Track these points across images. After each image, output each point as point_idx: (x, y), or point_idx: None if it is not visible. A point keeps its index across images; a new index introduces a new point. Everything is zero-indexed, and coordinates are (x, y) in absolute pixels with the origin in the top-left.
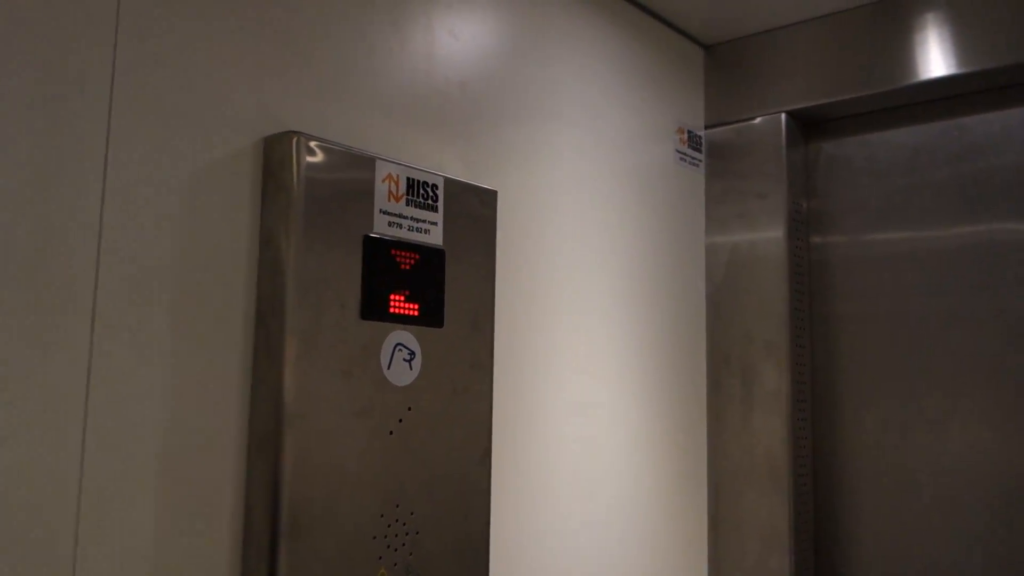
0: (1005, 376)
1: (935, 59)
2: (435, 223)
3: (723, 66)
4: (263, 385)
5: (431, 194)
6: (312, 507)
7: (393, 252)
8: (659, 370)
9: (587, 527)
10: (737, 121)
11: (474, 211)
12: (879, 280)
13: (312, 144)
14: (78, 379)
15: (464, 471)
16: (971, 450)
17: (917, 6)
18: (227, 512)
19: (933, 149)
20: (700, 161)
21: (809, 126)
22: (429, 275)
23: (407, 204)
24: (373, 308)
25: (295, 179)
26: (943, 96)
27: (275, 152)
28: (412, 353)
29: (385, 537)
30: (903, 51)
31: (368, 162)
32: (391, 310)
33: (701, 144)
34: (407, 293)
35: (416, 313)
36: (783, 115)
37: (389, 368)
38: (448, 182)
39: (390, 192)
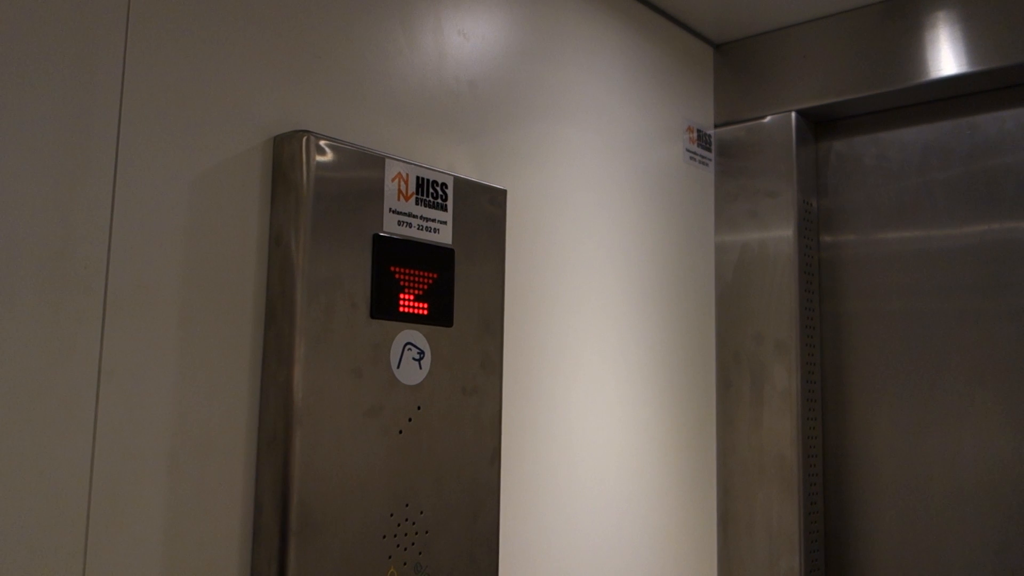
0: (1017, 375)
1: (946, 57)
2: (445, 222)
3: (733, 65)
4: (273, 384)
5: (441, 193)
6: (322, 506)
7: (403, 251)
8: (669, 369)
9: (596, 526)
10: (747, 120)
11: (484, 210)
12: (890, 279)
13: (322, 143)
14: (89, 379)
15: (474, 470)
16: (983, 450)
17: (928, 4)
18: (237, 511)
19: (944, 148)
20: (710, 160)
21: (819, 125)
22: (439, 274)
23: (417, 203)
24: (383, 307)
25: (305, 178)
26: (954, 94)
27: (285, 151)
28: (421, 352)
29: (395, 536)
30: (914, 49)
31: (378, 161)
32: (401, 309)
33: (711, 143)
34: (417, 292)
35: (426, 312)
36: (793, 114)
37: (399, 367)
38: (458, 181)
39: (400, 191)
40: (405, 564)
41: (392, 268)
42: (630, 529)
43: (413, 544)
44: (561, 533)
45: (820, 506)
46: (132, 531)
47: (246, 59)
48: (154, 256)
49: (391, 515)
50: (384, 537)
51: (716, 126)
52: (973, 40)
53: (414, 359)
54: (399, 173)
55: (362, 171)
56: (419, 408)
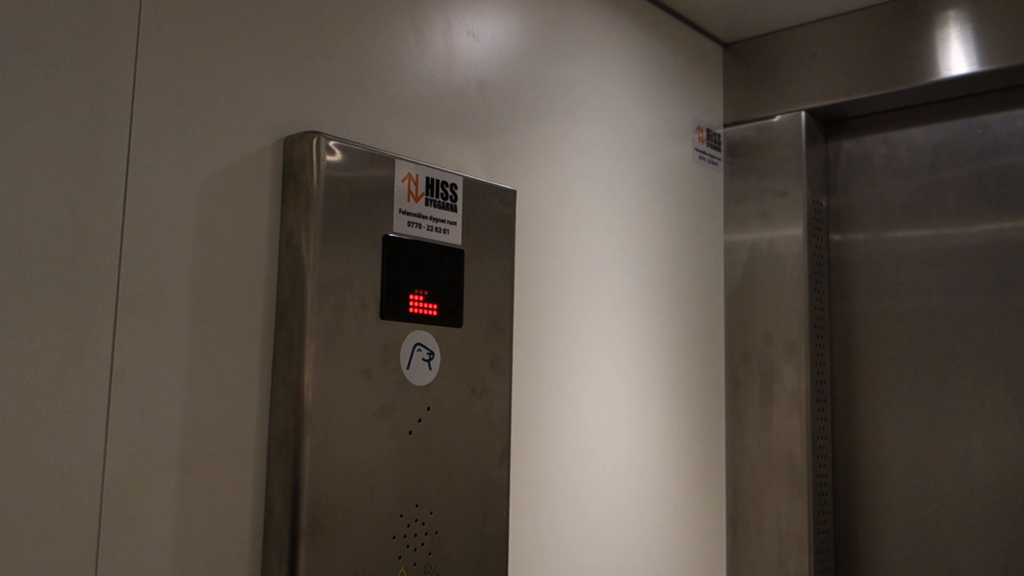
0: None
1: (956, 57)
2: (454, 223)
3: (742, 64)
4: (283, 384)
5: (450, 194)
6: (332, 506)
7: (412, 252)
8: (678, 369)
9: (606, 526)
10: (757, 119)
11: (493, 210)
12: (900, 278)
13: (332, 144)
14: (101, 380)
15: (483, 471)
16: (993, 450)
17: (938, 4)
18: (247, 511)
19: (954, 147)
20: (719, 159)
21: (829, 124)
22: (448, 275)
23: (426, 204)
24: (393, 308)
25: (315, 179)
26: (965, 94)
27: (295, 152)
28: (431, 353)
29: (405, 537)
30: (924, 49)
31: (388, 162)
32: (410, 310)
33: (720, 142)
34: (426, 293)
35: (435, 313)
36: (803, 113)
37: (408, 368)
38: (467, 182)
39: (409, 192)
40: (415, 565)
41: (402, 269)
42: (639, 529)
43: (423, 545)
44: (570, 533)
45: (830, 506)
46: (143, 531)
47: (256, 60)
48: (165, 258)
49: (401, 516)
50: (394, 538)
51: (725, 125)
52: (983, 39)
53: (424, 360)
54: (409, 174)
55: (372, 172)
56: (429, 409)
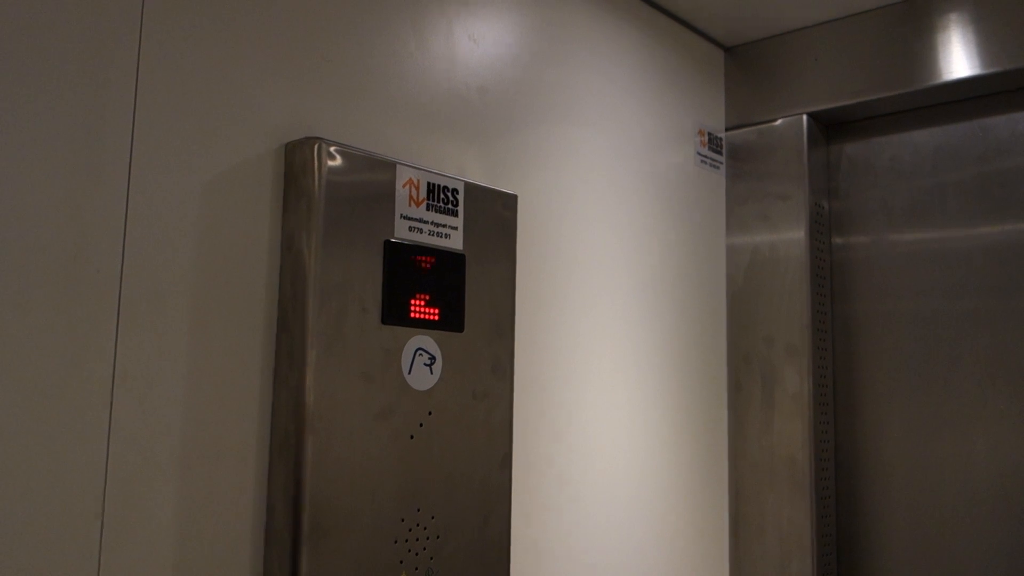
0: None
1: (958, 60)
2: (455, 228)
3: (744, 68)
4: (285, 387)
5: (451, 199)
6: (334, 510)
7: (414, 257)
8: (680, 372)
9: (608, 530)
10: (758, 123)
11: (494, 215)
12: (902, 281)
13: (333, 149)
14: (103, 383)
15: (485, 475)
16: (996, 452)
17: (940, 6)
18: (249, 514)
19: (957, 150)
20: (721, 163)
21: (831, 127)
22: (449, 280)
23: (427, 209)
24: (394, 313)
25: (316, 184)
26: (966, 97)
27: (296, 157)
28: (433, 358)
29: (406, 541)
30: (926, 52)
31: (389, 167)
32: (412, 315)
33: (722, 146)
34: (428, 298)
35: (437, 318)
36: (804, 116)
37: (410, 373)
38: (468, 186)
39: (411, 197)
40: (417, 569)
41: (403, 274)
42: (642, 532)
43: (424, 549)
44: (572, 537)
45: (832, 509)
46: (145, 533)
47: (258, 65)
48: (167, 261)
49: (402, 520)
50: (396, 542)
51: (727, 129)
52: (985, 42)
53: (425, 364)
54: (410, 179)
55: (373, 177)
56: (430, 413)
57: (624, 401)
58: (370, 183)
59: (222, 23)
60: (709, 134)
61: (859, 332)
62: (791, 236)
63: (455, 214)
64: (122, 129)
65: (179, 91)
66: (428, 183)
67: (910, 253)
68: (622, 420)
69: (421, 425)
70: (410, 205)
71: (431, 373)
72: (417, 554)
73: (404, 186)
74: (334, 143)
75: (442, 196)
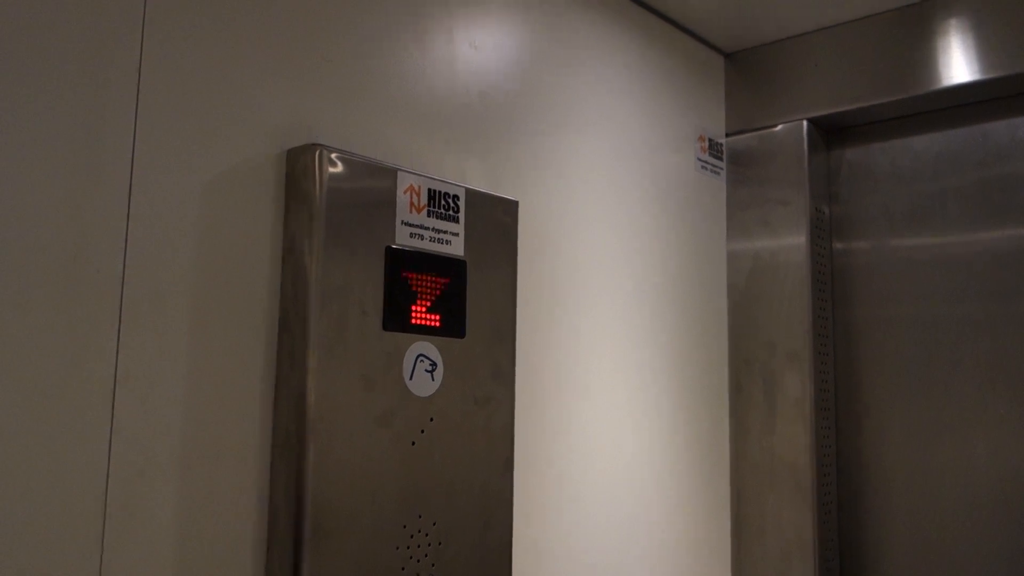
0: None
1: (958, 65)
2: (456, 234)
3: (744, 74)
4: (286, 390)
5: (452, 205)
6: (335, 516)
7: (415, 263)
8: (681, 378)
9: (610, 535)
10: (758, 128)
11: (495, 221)
12: (903, 286)
13: (334, 156)
14: (105, 384)
15: (486, 481)
16: (996, 457)
17: (940, 12)
18: (250, 518)
19: (957, 155)
20: (721, 169)
21: (831, 133)
22: (451, 286)
23: (428, 215)
24: (395, 319)
25: (318, 191)
26: (966, 102)
27: (298, 164)
28: (434, 364)
29: (408, 548)
30: (926, 57)
31: (390, 173)
32: (413, 321)
33: (722, 152)
34: (428, 304)
35: (438, 324)
36: (805, 122)
37: (411, 379)
38: (469, 193)
39: (412, 203)
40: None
41: (404, 280)
42: (644, 536)
43: (426, 556)
44: (574, 542)
45: (834, 514)
46: (147, 535)
47: (259, 68)
48: (168, 261)
49: (404, 526)
50: (397, 548)
51: (727, 135)
52: (985, 47)
53: (426, 371)
54: (411, 185)
55: (374, 183)
56: (432, 420)
57: (626, 405)
58: (371, 190)
59: (223, 24)
60: (709, 140)
61: (860, 337)
62: (792, 242)
63: (456, 220)
64: (123, 129)
65: (180, 92)
66: (429, 189)
67: (911, 258)
68: (624, 425)
69: (423, 432)
70: (411, 211)
71: (432, 379)
72: (419, 561)
73: (405, 192)
74: (335, 150)
75: (443, 202)
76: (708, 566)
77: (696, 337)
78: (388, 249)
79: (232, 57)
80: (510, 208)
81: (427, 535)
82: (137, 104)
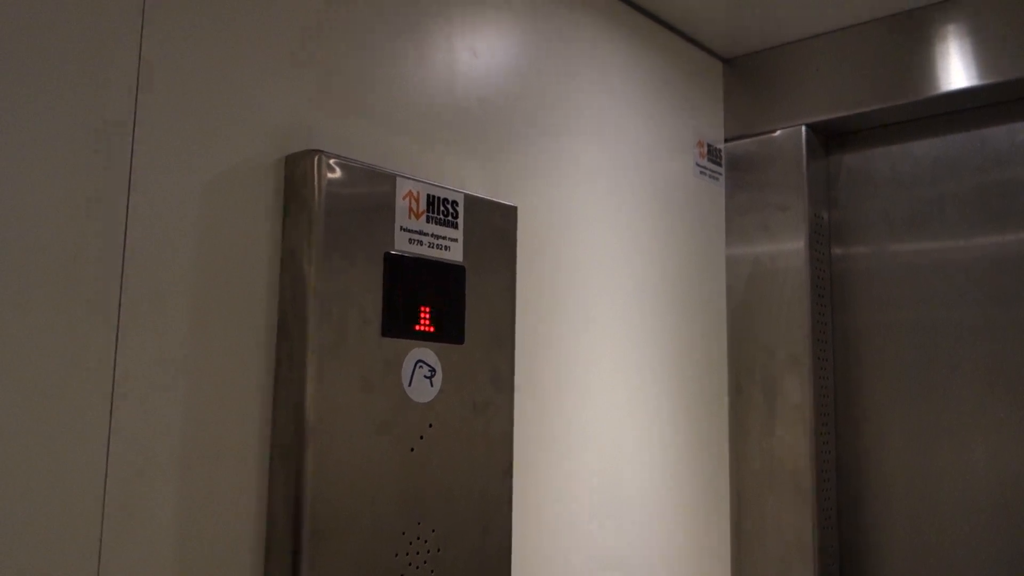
0: None
1: (957, 71)
2: (455, 240)
3: (742, 79)
4: (285, 395)
5: (451, 211)
6: (334, 523)
7: (414, 269)
8: (681, 383)
9: (610, 541)
10: (757, 134)
11: (494, 227)
12: (902, 291)
13: (333, 162)
14: (103, 389)
15: (486, 487)
16: (996, 461)
17: (938, 18)
18: (249, 523)
19: (955, 160)
20: (720, 174)
21: (830, 138)
22: (450, 292)
23: (427, 221)
24: (394, 325)
25: (316, 196)
26: (965, 108)
27: (297, 170)
28: (433, 370)
29: (407, 555)
30: (924, 63)
31: (389, 179)
32: (412, 327)
33: (721, 157)
34: (428, 310)
35: (437, 330)
36: (803, 127)
37: (410, 385)
38: (468, 199)
39: (410, 209)
40: None
41: (403, 286)
42: (644, 542)
43: (425, 563)
44: (573, 548)
45: (833, 517)
46: (146, 534)
47: (259, 74)
48: (168, 261)
49: (403, 533)
50: (396, 555)
51: (726, 140)
52: (983, 53)
53: (425, 377)
54: (410, 191)
55: (373, 189)
56: (431, 426)
57: (625, 410)
58: (370, 195)
59: (223, 25)
60: (708, 145)
61: (859, 342)
62: (791, 247)
63: (455, 226)
64: (123, 129)
65: (180, 92)
66: (428, 195)
67: (910, 263)
68: (624, 430)
69: (421, 438)
70: (410, 217)
71: (431, 386)
72: (418, 568)
73: (404, 198)
74: (334, 155)
75: (442, 208)
76: (708, 570)
77: (695, 342)
78: (387, 255)
79: (232, 59)
80: (509, 214)
81: (426, 542)
82: (136, 104)
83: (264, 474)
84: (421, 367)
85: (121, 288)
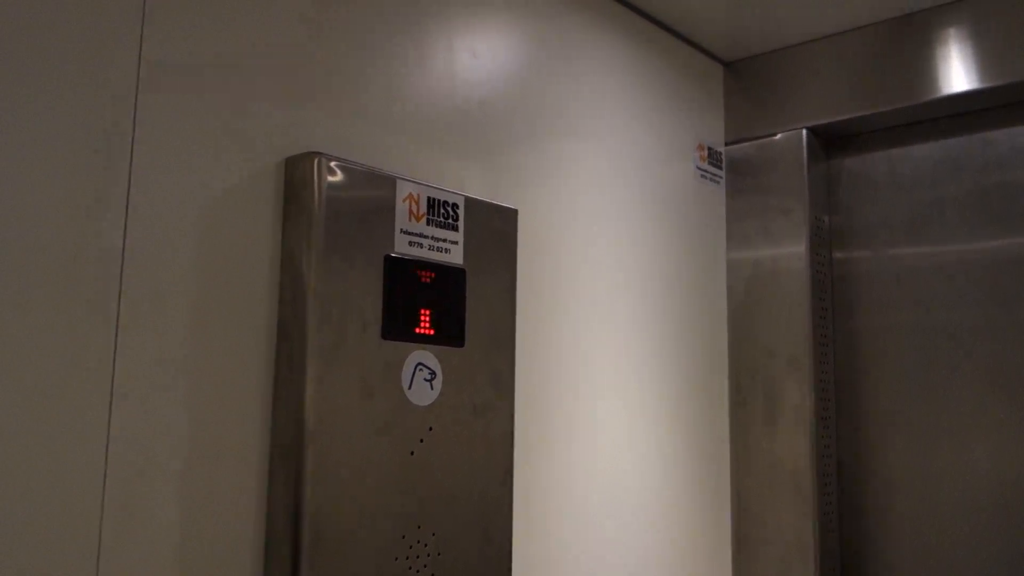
0: None
1: (957, 74)
2: (456, 242)
3: (743, 83)
4: (285, 398)
5: (451, 213)
6: (334, 527)
7: (414, 272)
8: (682, 386)
9: (610, 544)
10: (758, 137)
11: (494, 230)
12: (902, 294)
13: (333, 164)
14: (102, 392)
15: (486, 491)
16: (997, 463)
17: (938, 21)
18: (249, 527)
19: (956, 163)
20: (720, 178)
21: (831, 141)
22: (450, 295)
23: (428, 223)
24: (394, 328)
25: (316, 199)
26: (966, 111)
27: (297, 172)
28: (433, 373)
29: (407, 558)
30: (925, 66)
31: (389, 182)
32: (412, 330)
33: (721, 161)
34: (428, 313)
35: (437, 333)
36: (804, 131)
37: (410, 388)
38: (468, 201)
39: (411, 212)
40: None
41: (403, 289)
42: (644, 546)
43: (425, 567)
44: (574, 552)
45: (835, 520)
46: (146, 534)
47: (259, 80)
48: (168, 265)
49: (403, 537)
50: (396, 559)
51: (727, 144)
52: (984, 56)
53: (425, 380)
54: (410, 194)
55: (373, 192)
56: (431, 429)
57: (626, 413)
58: (370, 198)
59: (224, 25)
60: (709, 148)
61: (860, 345)
62: (792, 250)
63: (455, 229)
64: (123, 129)
65: (180, 93)
66: (428, 198)
67: (910, 266)
68: (624, 433)
69: (421, 441)
70: (410, 220)
71: (431, 388)
72: (418, 571)
73: (404, 201)
74: (334, 158)
75: (442, 211)
76: (709, 571)
77: (696, 344)
78: (387, 257)
79: (232, 60)
80: (509, 216)
81: (426, 545)
82: (136, 105)
83: (264, 475)
84: (421, 370)
85: (121, 288)
